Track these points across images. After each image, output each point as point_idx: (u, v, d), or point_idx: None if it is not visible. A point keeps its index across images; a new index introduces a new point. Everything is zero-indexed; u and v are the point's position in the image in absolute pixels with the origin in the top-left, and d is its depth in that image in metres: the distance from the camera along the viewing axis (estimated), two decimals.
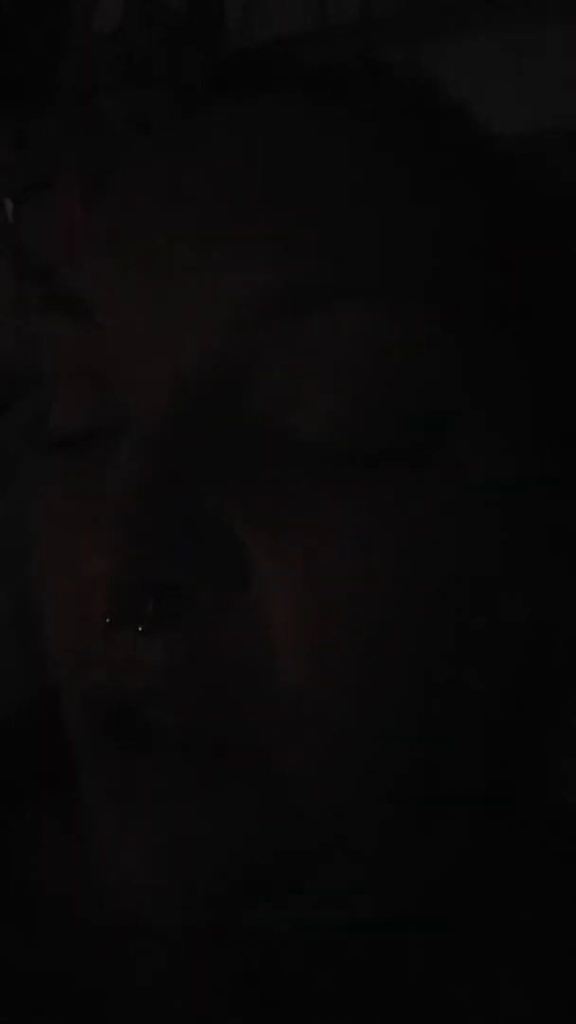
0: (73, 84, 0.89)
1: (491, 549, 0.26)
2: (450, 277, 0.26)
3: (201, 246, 0.26)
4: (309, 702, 0.24)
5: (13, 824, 0.33)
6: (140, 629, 0.24)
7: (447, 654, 0.26)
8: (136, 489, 0.24)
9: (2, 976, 0.29)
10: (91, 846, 0.26)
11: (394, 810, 0.26)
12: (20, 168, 0.98)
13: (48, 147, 0.93)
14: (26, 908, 0.31)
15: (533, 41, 0.61)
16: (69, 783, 0.32)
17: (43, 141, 0.94)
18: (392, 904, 0.27)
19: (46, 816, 0.33)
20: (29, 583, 0.45)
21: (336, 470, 0.25)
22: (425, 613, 0.25)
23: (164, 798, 0.24)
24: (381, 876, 0.27)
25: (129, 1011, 0.28)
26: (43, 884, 0.31)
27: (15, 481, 0.52)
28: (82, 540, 0.24)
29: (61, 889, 0.30)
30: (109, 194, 0.29)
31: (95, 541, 0.24)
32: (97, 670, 0.25)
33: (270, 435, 0.25)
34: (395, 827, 0.26)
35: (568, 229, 0.30)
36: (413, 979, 0.28)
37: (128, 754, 0.25)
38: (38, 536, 0.28)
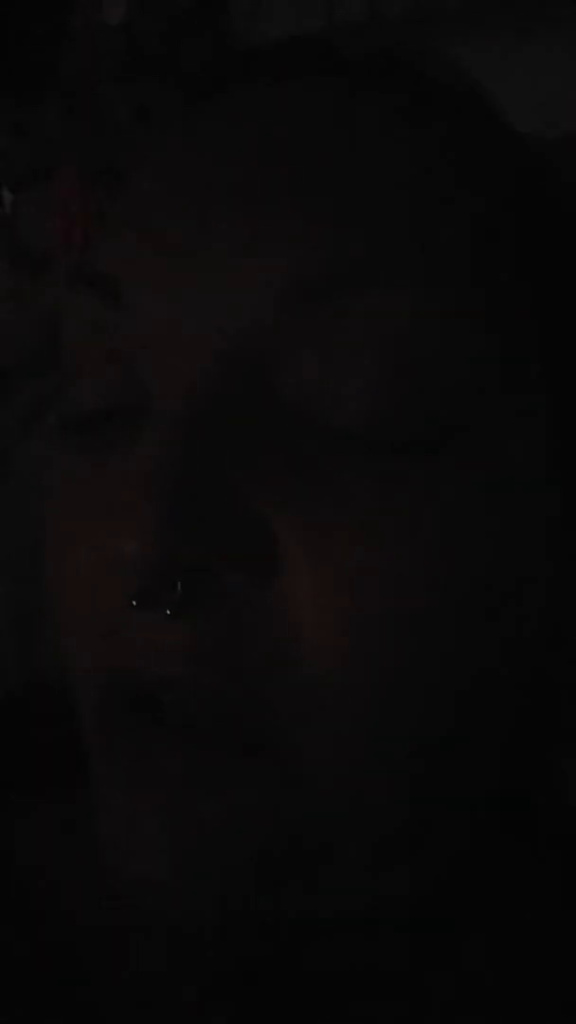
0: (74, 74, 0.89)
1: (519, 539, 0.26)
2: (486, 267, 0.26)
3: (234, 229, 0.25)
4: (333, 691, 0.24)
5: (10, 817, 0.33)
6: (168, 612, 0.24)
7: (474, 645, 0.25)
8: (166, 468, 0.24)
9: (1, 972, 0.29)
10: (99, 835, 0.26)
11: (410, 803, 0.26)
12: (19, 157, 0.98)
13: (47, 136, 0.93)
14: (23, 902, 0.30)
15: (539, 43, 0.61)
16: (68, 776, 0.32)
17: (42, 130, 0.93)
18: (400, 901, 0.27)
19: (45, 809, 0.32)
20: (26, 574, 0.45)
21: (367, 456, 0.25)
22: (454, 603, 0.25)
23: (181, 783, 0.24)
24: (392, 872, 0.27)
25: (133, 1007, 0.28)
26: (41, 877, 0.31)
27: (12, 472, 0.51)
28: (104, 519, 0.24)
29: (60, 882, 0.30)
30: (138, 177, 0.29)
31: (120, 521, 0.23)
32: (118, 653, 0.25)
33: (300, 419, 0.25)
34: (409, 821, 0.26)
35: None
36: (417, 976, 0.28)
37: (146, 738, 0.24)
38: (53, 515, 0.28)
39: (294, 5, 0.73)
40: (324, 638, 0.24)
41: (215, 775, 0.24)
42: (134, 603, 0.24)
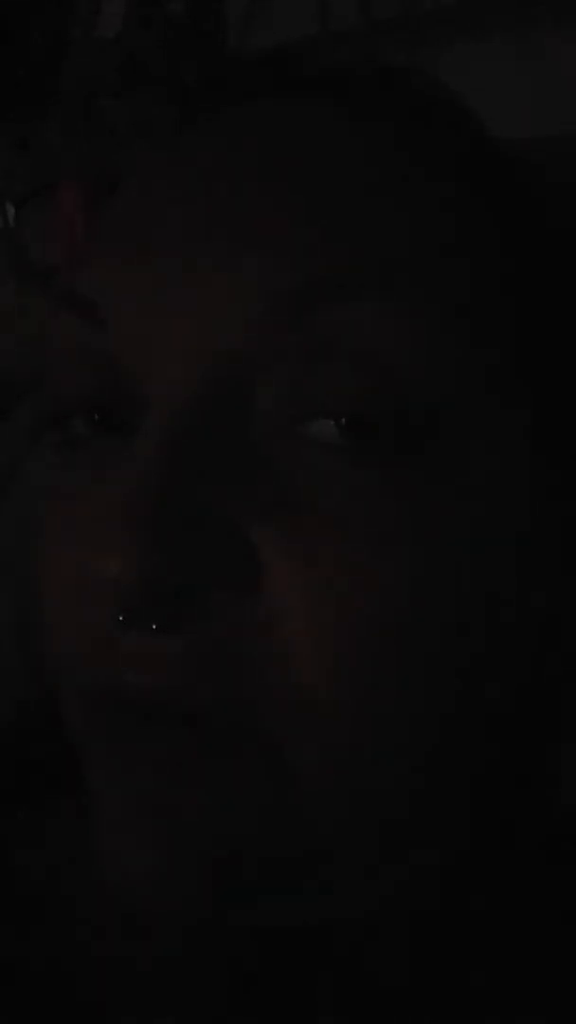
0: (74, 88, 0.89)
1: (504, 545, 0.26)
2: (468, 280, 0.26)
3: (221, 243, 0.26)
4: (320, 699, 0.24)
5: (13, 825, 0.33)
6: (154, 628, 0.24)
7: (460, 651, 0.26)
8: (150, 487, 0.24)
9: (1, 975, 0.29)
10: (95, 840, 0.26)
11: (402, 805, 0.26)
12: (21, 171, 0.98)
13: (49, 151, 0.93)
14: (26, 908, 0.31)
15: (533, 46, 0.61)
16: (70, 784, 0.32)
17: (44, 145, 0.94)
18: (394, 903, 0.27)
19: (47, 817, 0.33)
20: (31, 586, 0.46)
21: (348, 469, 0.25)
22: (437, 610, 0.25)
23: (169, 782, 0.24)
24: (382, 874, 0.27)
25: (128, 1009, 0.28)
26: (44, 884, 0.31)
27: (17, 483, 0.52)
28: (91, 536, 0.24)
29: (62, 889, 0.30)
30: (124, 192, 0.29)
31: (106, 538, 0.24)
32: (105, 663, 0.25)
33: (281, 433, 0.25)
34: (402, 823, 0.26)
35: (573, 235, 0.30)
36: (411, 978, 0.28)
37: (133, 739, 0.25)
38: (43, 530, 0.28)
39: (289, 16, 0.74)
40: (310, 649, 0.24)
41: (203, 773, 0.24)
42: (120, 619, 0.24)
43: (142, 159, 0.30)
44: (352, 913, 0.28)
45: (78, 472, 0.28)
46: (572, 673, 0.29)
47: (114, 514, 0.24)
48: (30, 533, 0.46)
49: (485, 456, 0.26)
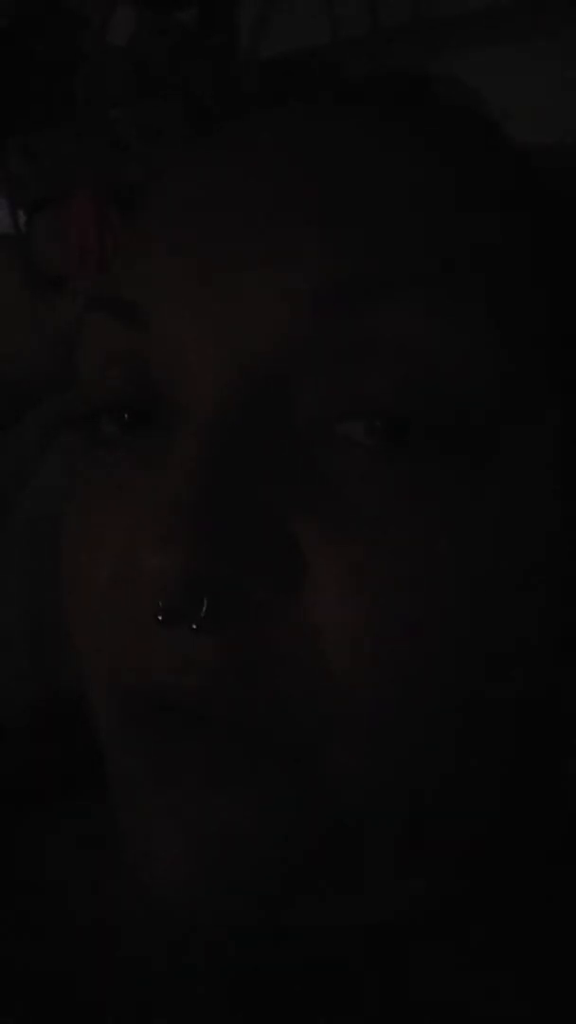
0: (86, 97, 0.90)
1: (534, 545, 0.26)
2: (500, 281, 0.26)
3: (257, 244, 0.26)
4: (356, 702, 0.24)
5: (26, 827, 0.33)
6: (194, 627, 0.24)
7: (491, 651, 0.26)
8: (194, 484, 0.24)
9: (10, 978, 0.29)
10: (120, 843, 0.26)
11: (432, 807, 0.26)
12: (33, 180, 0.99)
13: (61, 159, 0.94)
14: (39, 910, 0.31)
15: (540, 51, 0.62)
16: (83, 787, 0.32)
17: (56, 153, 0.94)
18: (416, 906, 0.27)
19: (60, 819, 0.33)
20: (43, 588, 0.46)
21: (389, 469, 0.25)
22: (472, 610, 0.25)
23: (202, 785, 0.24)
24: (413, 875, 0.27)
25: (143, 1014, 0.28)
26: (57, 886, 0.31)
27: (30, 488, 0.52)
28: (129, 534, 0.24)
29: (77, 892, 0.30)
30: (159, 193, 0.29)
31: (146, 536, 0.23)
32: (140, 664, 0.25)
33: (322, 431, 0.25)
34: (430, 826, 0.26)
35: None
36: (428, 977, 0.28)
37: (167, 741, 0.24)
38: (73, 528, 0.28)
39: (299, 23, 0.74)
40: (349, 650, 0.24)
41: (237, 777, 0.24)
42: (159, 618, 0.24)
43: (174, 164, 0.30)
44: (383, 915, 0.27)
45: (108, 472, 0.28)
46: None
47: (158, 511, 0.24)
48: (43, 535, 0.46)
49: (517, 458, 0.26)
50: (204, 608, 0.23)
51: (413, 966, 0.28)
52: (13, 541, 0.50)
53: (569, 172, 0.33)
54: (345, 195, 0.26)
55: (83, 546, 0.27)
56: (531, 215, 0.28)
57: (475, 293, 0.26)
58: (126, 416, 0.27)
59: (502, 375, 0.26)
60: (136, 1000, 0.28)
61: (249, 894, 0.25)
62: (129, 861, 0.25)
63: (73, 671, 0.29)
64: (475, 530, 0.25)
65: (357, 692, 0.24)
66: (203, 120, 0.33)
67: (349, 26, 0.69)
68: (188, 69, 0.81)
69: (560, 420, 0.27)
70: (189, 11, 0.83)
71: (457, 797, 0.26)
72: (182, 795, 0.24)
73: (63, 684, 0.42)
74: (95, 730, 0.28)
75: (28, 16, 0.94)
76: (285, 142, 0.28)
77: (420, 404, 0.25)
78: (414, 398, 0.25)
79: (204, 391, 0.25)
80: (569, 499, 0.27)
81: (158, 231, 0.28)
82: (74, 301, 0.79)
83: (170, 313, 0.26)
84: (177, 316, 0.26)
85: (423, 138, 0.28)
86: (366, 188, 0.26)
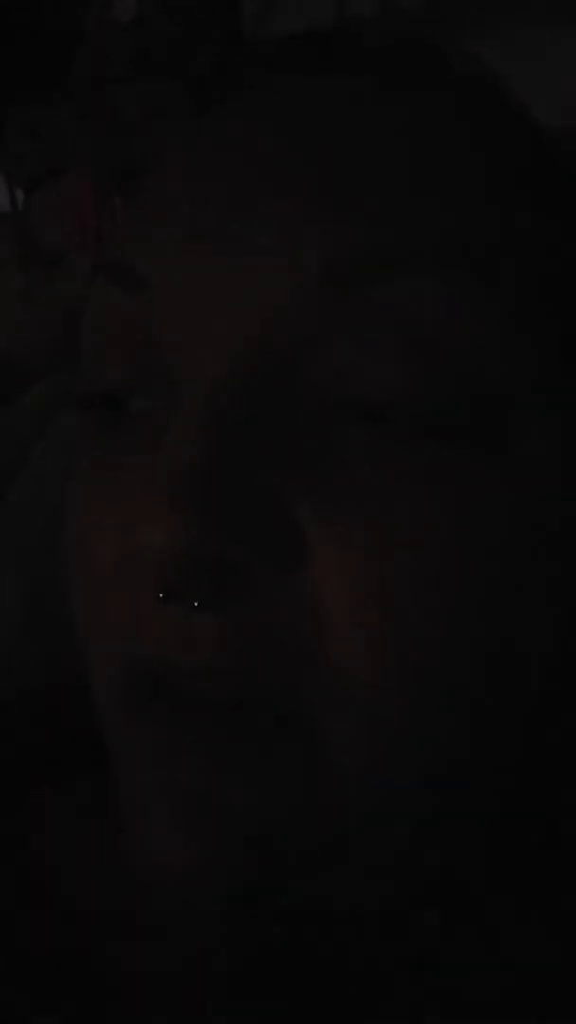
0: (87, 74, 0.89)
1: (548, 530, 0.26)
2: (511, 256, 0.26)
3: (265, 216, 0.25)
4: (358, 682, 0.24)
5: (26, 808, 0.33)
6: (195, 604, 0.23)
7: (499, 636, 0.25)
8: (196, 459, 0.23)
9: (11, 961, 0.29)
10: (120, 821, 0.25)
11: (435, 790, 0.26)
12: (31, 158, 0.98)
13: (60, 137, 0.93)
14: (38, 891, 0.30)
15: (552, 33, 0.61)
16: (84, 767, 0.32)
17: (55, 131, 0.94)
18: (415, 887, 0.27)
19: (59, 800, 0.33)
20: (41, 569, 0.45)
21: (394, 448, 0.24)
22: (477, 593, 0.25)
23: (204, 765, 0.24)
24: (409, 858, 0.27)
25: (143, 998, 0.28)
26: (56, 868, 0.31)
27: (26, 469, 0.51)
28: (131, 510, 0.24)
29: (75, 872, 0.30)
30: (164, 169, 0.29)
31: (147, 510, 0.23)
32: (141, 643, 0.25)
33: (327, 409, 0.25)
34: (434, 810, 0.26)
35: None
36: (433, 969, 0.28)
37: (170, 721, 0.24)
38: (76, 505, 0.28)
39: (303, 5, 0.73)
40: (350, 626, 0.24)
41: (238, 756, 0.24)
42: (160, 595, 0.23)
43: (180, 137, 0.30)
44: (376, 901, 0.27)
45: (111, 450, 0.27)
46: None
47: (158, 486, 0.24)
48: (41, 514, 0.46)
49: (526, 445, 0.26)
50: (205, 585, 0.23)
51: (419, 950, 0.28)
52: (10, 520, 0.50)
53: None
54: (354, 168, 0.26)
55: (86, 524, 0.27)
56: (552, 197, 0.28)
57: (488, 273, 0.25)
58: (131, 391, 0.27)
59: (513, 359, 0.25)
60: (136, 983, 0.28)
61: (250, 873, 0.25)
62: (128, 840, 0.25)
63: (73, 653, 0.29)
64: (480, 513, 0.25)
65: (358, 672, 0.24)
66: (205, 98, 0.32)
67: (356, 7, 0.69)
68: (191, 48, 0.80)
69: (573, 408, 0.27)
70: None
71: (465, 776, 0.26)
72: (183, 773, 0.24)
73: (61, 662, 0.42)
74: (95, 708, 0.27)
75: None
76: (289, 116, 0.27)
77: (426, 384, 0.24)
78: (420, 378, 0.24)
79: (206, 364, 0.25)
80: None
81: (160, 205, 0.28)
82: (72, 280, 0.79)
83: (173, 286, 0.26)
84: (180, 289, 0.26)
85: (439, 111, 0.27)
86: (376, 161, 0.26)
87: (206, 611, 0.23)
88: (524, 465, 0.26)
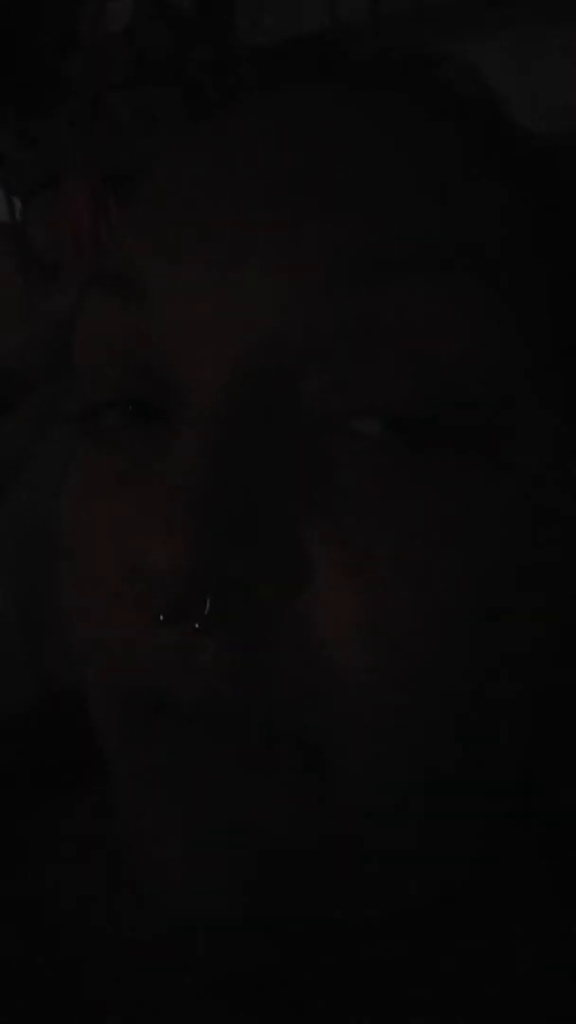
0: (83, 82, 0.89)
1: (546, 534, 0.26)
2: (510, 264, 0.26)
3: (264, 226, 0.25)
4: (361, 699, 0.23)
5: (22, 823, 0.33)
6: (196, 626, 0.23)
7: (500, 652, 0.25)
8: (197, 479, 0.23)
9: (10, 979, 0.29)
10: (121, 837, 0.25)
11: (435, 804, 0.26)
12: (28, 166, 0.98)
13: (57, 145, 0.93)
14: (36, 908, 0.30)
15: (538, 40, 0.61)
16: (81, 780, 0.32)
17: (52, 139, 0.94)
18: (418, 903, 0.27)
19: (57, 814, 0.32)
20: (37, 581, 0.45)
21: (397, 462, 0.24)
22: (480, 612, 0.24)
23: (203, 779, 0.24)
24: (411, 871, 0.27)
25: (146, 1010, 0.27)
26: (54, 883, 0.30)
27: (23, 478, 0.51)
28: (131, 530, 0.23)
29: (73, 887, 0.30)
30: (161, 177, 0.28)
31: (148, 530, 0.23)
32: (141, 664, 0.24)
33: (329, 422, 0.24)
34: (433, 822, 0.26)
35: None
36: (434, 974, 0.28)
37: (169, 737, 0.24)
38: (74, 523, 0.27)
39: (297, 9, 0.73)
40: (352, 649, 0.23)
41: (240, 777, 0.24)
42: (161, 618, 0.23)
43: (177, 145, 0.29)
44: (373, 912, 0.27)
45: (112, 463, 0.27)
46: None
47: (159, 506, 0.23)
48: (38, 526, 0.46)
49: (525, 454, 0.26)
50: (207, 608, 0.23)
51: (420, 962, 0.28)
52: (7, 531, 0.50)
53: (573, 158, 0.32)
54: (351, 174, 0.25)
55: (85, 539, 0.27)
56: (546, 200, 0.28)
57: (487, 277, 0.25)
58: (130, 406, 0.27)
59: (515, 365, 0.25)
60: (136, 999, 0.28)
61: (251, 891, 0.24)
62: (129, 859, 0.25)
63: (69, 664, 0.28)
64: (484, 529, 0.24)
65: (361, 692, 0.24)
66: (201, 105, 0.32)
67: (348, 12, 0.69)
68: (186, 55, 0.80)
69: (572, 408, 0.27)
70: None
71: (468, 789, 0.26)
72: (183, 793, 0.24)
73: (58, 677, 0.42)
74: (93, 724, 0.27)
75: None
76: (288, 122, 0.27)
77: (433, 392, 0.24)
78: (426, 386, 0.24)
79: (206, 377, 0.24)
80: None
81: (157, 213, 0.27)
82: (69, 288, 0.79)
83: (171, 295, 0.25)
84: (178, 298, 0.25)
85: (433, 118, 0.27)
86: (373, 167, 0.26)
87: (208, 635, 0.23)
88: (523, 468, 0.25)
